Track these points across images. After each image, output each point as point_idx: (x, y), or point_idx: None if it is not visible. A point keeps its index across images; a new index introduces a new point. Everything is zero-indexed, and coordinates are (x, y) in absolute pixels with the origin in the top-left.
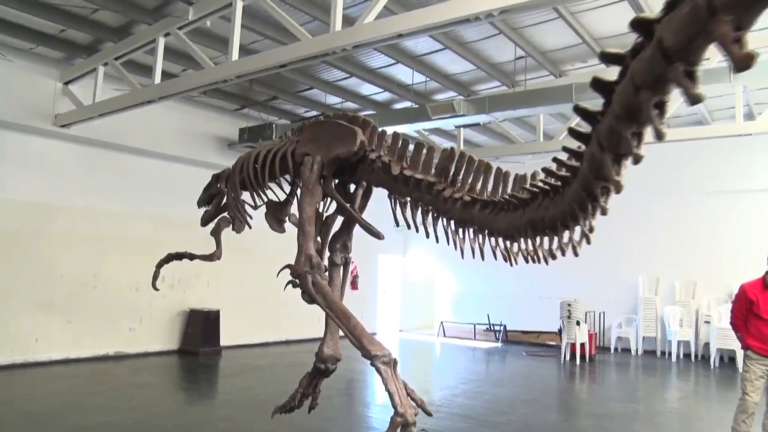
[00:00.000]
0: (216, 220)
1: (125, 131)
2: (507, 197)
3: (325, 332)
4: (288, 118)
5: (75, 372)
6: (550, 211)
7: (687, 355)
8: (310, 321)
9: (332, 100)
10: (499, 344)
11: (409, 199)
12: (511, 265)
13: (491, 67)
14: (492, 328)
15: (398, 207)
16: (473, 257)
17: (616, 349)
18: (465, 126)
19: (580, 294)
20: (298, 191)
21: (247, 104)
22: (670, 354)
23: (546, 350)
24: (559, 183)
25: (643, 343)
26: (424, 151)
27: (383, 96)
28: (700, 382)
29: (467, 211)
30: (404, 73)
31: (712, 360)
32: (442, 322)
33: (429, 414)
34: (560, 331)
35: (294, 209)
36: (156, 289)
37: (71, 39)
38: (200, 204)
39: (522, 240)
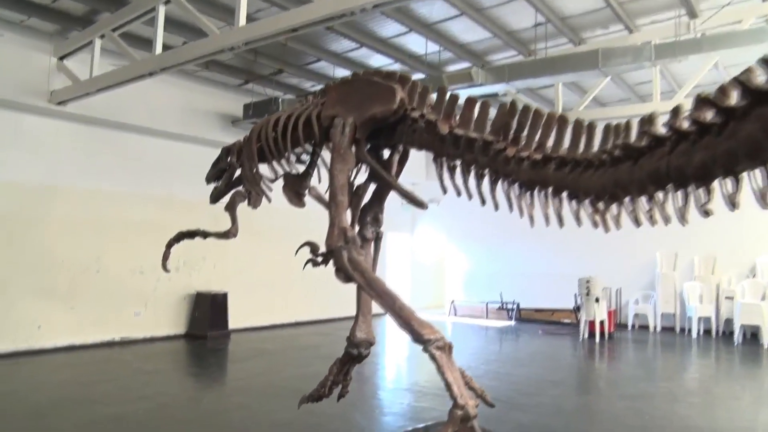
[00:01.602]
0: (230, 195)
1: (124, 109)
2: (605, 150)
3: (356, 314)
4: (294, 92)
5: (80, 359)
6: (699, 155)
7: (707, 332)
8: (320, 302)
9: (341, 72)
10: (512, 323)
11: (459, 162)
12: (607, 230)
13: (508, 35)
14: (505, 307)
15: (446, 172)
16: (547, 224)
17: (633, 326)
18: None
19: (595, 270)
20: (320, 161)
21: (251, 79)
22: (689, 330)
23: (561, 328)
24: (719, 119)
25: (662, 320)
26: (477, 106)
27: (394, 68)
28: (727, 359)
29: (538, 172)
30: (417, 43)
31: (735, 336)
32: (453, 301)
33: (491, 405)
34: (577, 308)
35: (314, 182)
36: (167, 270)
37: (65, 9)
38: (209, 180)
39: (631, 198)
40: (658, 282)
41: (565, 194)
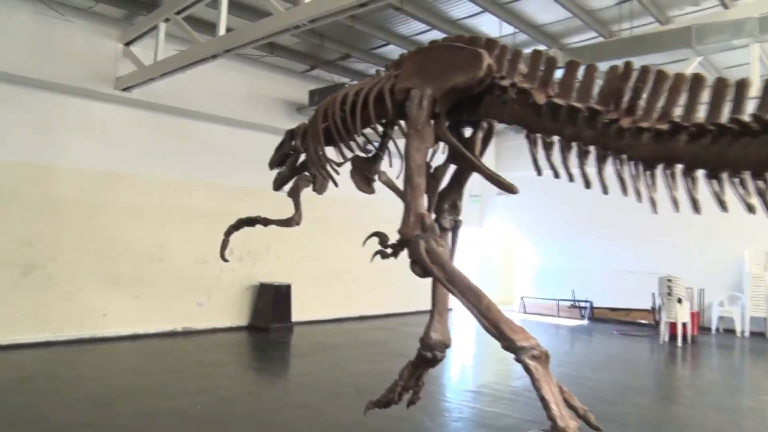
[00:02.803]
0: (294, 180)
1: (188, 95)
2: None
3: (431, 313)
4: (360, 78)
5: (142, 349)
6: None
7: None
8: (386, 296)
9: None
10: (585, 322)
11: (558, 138)
12: None
13: (588, 14)
14: (577, 305)
15: (541, 150)
16: (676, 210)
17: (717, 330)
18: None
19: (674, 268)
20: (390, 142)
21: (317, 64)
22: None
23: (638, 329)
24: None
25: (750, 324)
26: (581, 71)
27: None
28: None
29: (664, 146)
30: (490, 24)
31: None
32: (522, 298)
33: (597, 429)
34: (658, 308)
35: (384, 166)
36: (225, 260)
37: None
38: (272, 165)
39: None
40: (746, 283)
41: (701, 172)
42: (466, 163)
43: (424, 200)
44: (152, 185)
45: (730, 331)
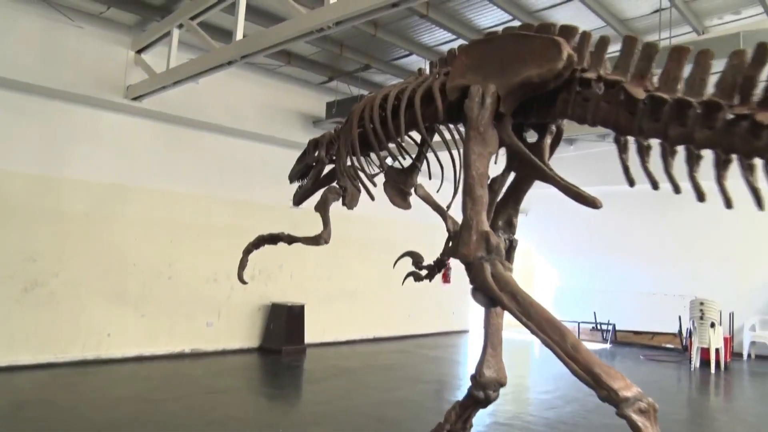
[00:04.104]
0: (321, 192)
1: (201, 106)
2: None
3: (484, 346)
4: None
5: (149, 371)
6: None
7: None
8: (400, 318)
9: None
10: (607, 345)
11: (660, 139)
12: None
13: (622, 24)
14: (599, 327)
15: (631, 155)
16: None
17: (749, 356)
18: None
19: (700, 290)
20: (430, 151)
21: (335, 75)
22: None
23: (665, 354)
24: None
25: None
26: (689, 57)
27: None
28: None
29: None
30: None
31: None
32: None
33: None
34: (688, 332)
35: (421, 178)
36: (243, 281)
37: None
38: (293, 178)
39: None
40: None
41: None
42: (535, 173)
43: (486, 215)
44: (161, 199)
45: (763, 358)
